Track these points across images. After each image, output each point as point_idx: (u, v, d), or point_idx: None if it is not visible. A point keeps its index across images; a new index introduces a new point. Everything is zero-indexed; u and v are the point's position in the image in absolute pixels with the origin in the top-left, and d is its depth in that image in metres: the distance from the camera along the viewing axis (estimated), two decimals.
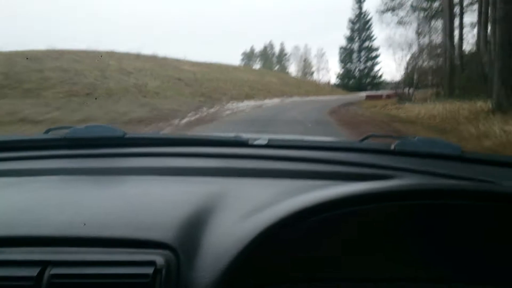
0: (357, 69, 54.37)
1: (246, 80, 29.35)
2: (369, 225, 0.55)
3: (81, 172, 0.92)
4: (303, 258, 0.55)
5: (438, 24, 35.82)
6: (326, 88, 39.05)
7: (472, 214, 0.54)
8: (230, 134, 1.25)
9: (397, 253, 0.55)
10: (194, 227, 0.59)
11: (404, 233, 0.55)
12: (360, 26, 53.79)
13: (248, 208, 0.62)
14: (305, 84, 37.93)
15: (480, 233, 0.55)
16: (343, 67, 55.12)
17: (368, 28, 53.63)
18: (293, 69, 67.38)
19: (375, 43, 54.42)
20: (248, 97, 22.42)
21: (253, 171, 0.88)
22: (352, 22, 54.20)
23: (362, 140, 1.19)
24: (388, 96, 22.76)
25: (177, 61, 28.53)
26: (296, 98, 26.62)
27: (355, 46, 54.41)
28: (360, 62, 54.26)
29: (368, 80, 53.97)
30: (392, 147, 1.03)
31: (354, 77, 54.48)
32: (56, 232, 0.58)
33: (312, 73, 66.91)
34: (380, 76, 55.40)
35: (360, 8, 53.42)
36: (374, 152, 1.07)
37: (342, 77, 54.69)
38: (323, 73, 67.05)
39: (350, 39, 54.61)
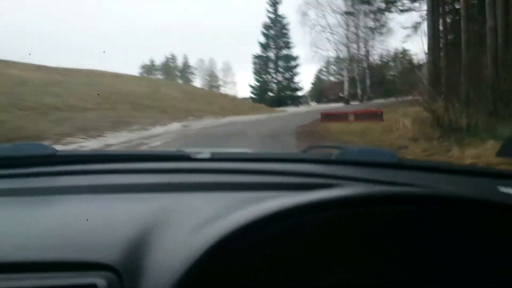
0: (274, 81, 46.46)
1: (128, 92, 18.61)
2: (321, 232, 0.55)
3: (10, 193, 0.86)
4: (253, 269, 0.54)
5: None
6: (245, 104, 29.89)
7: (412, 219, 0.55)
8: (171, 149, 1.02)
9: (350, 261, 0.56)
10: (138, 246, 0.57)
11: (353, 240, 0.56)
12: (277, 31, 46.13)
13: (194, 223, 0.60)
14: (218, 98, 28.17)
15: (422, 238, 0.56)
16: (258, 79, 46.78)
17: (286, 34, 46.24)
18: (198, 83, 59.23)
19: (294, 51, 47.33)
20: (121, 124, 11.89)
21: (197, 185, 0.88)
22: (267, 27, 46.36)
23: (304, 151, 1.22)
24: (358, 116, 14.07)
25: (5, 62, 16.89)
26: (208, 121, 16.72)
27: (271, 54, 46.54)
28: (278, 72, 46.45)
29: (288, 93, 46.38)
30: (333, 156, 1.07)
31: (272, 90, 46.45)
32: None
33: (219, 87, 58.92)
34: (302, 89, 48.41)
35: (276, 10, 45.87)
36: (316, 162, 1.11)
37: (258, 90, 46.20)
38: (231, 87, 59.65)
39: (265, 46, 46.54)
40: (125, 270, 0.52)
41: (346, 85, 37.76)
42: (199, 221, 0.59)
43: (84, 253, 0.55)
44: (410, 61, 54.09)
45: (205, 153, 1.10)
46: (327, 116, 14.74)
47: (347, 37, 37.38)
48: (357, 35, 37.62)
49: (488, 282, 0.55)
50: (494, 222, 0.54)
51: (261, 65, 46.54)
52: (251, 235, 0.52)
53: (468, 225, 0.55)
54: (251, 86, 46.70)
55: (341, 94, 48.86)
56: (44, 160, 1.05)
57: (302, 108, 31.97)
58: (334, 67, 52.91)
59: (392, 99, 41.08)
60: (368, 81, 38.88)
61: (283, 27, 45.88)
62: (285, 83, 46.35)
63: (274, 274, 0.53)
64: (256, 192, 0.81)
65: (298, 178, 0.90)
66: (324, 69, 54.53)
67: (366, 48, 39.33)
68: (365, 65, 39.67)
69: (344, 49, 38.24)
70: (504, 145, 1.09)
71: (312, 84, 54.99)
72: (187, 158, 1.10)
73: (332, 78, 54.04)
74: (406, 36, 31.42)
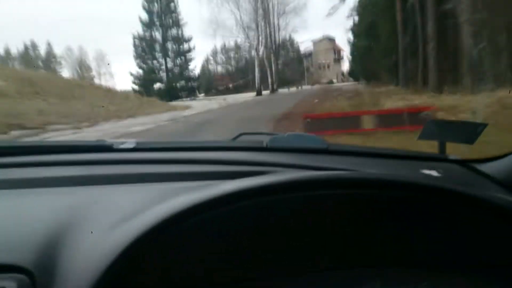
0: (163, 69, 37.26)
1: None
2: (253, 220, 0.55)
3: None
4: (181, 263, 0.53)
5: None
6: (130, 99, 20.58)
7: (340, 202, 0.57)
8: (92, 140, 1.17)
9: (281, 249, 0.56)
10: (53, 244, 0.53)
11: (285, 226, 0.56)
12: (162, 5, 36.91)
13: (114, 218, 0.57)
14: (86, 92, 18.24)
15: (348, 220, 0.58)
16: (141, 66, 37.03)
17: (174, 9, 37.28)
18: (66, 74, 47.78)
19: (187, 31, 38.72)
20: None
21: (120, 177, 0.82)
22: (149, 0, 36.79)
23: (234, 139, 1.19)
24: (384, 120, 6.79)
25: None
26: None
27: (157, 34, 37.23)
28: (167, 57, 37.40)
29: (182, 83, 37.71)
30: (264, 144, 1.06)
31: (161, 79, 37.24)
32: None
33: (92, 78, 47.98)
34: (198, 78, 40.05)
35: None
36: (247, 150, 1.09)
37: (142, 80, 36.45)
38: (107, 79, 49.28)
39: (149, 25, 36.99)
40: (39, 272, 0.49)
41: (257, 71, 30.52)
42: (120, 216, 0.56)
43: None
44: (297, 50, 52.31)
45: (129, 142, 1.02)
46: (317, 122, 7.11)
47: (255, 10, 29.93)
48: (265, 10, 30.45)
49: (420, 254, 0.58)
50: (417, 201, 0.57)
51: (145, 48, 36.88)
52: (178, 227, 0.50)
53: (396, 205, 0.57)
54: (133, 75, 36.77)
55: (231, 85, 43.52)
56: None
57: (209, 102, 23.75)
58: (222, 56, 49.59)
59: (293, 89, 37.59)
60: (274, 67, 32.47)
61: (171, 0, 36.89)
62: (177, 70, 37.57)
63: (205, 266, 0.51)
64: (184, 182, 0.77)
65: (228, 167, 0.86)
66: (211, 57, 50.21)
67: (268, 28, 32.68)
68: (272, 48, 33.08)
69: (251, 27, 30.74)
70: (424, 128, 1.06)
71: (199, 74, 48.75)
72: (109, 148, 1.01)
73: (220, 68, 51.55)
74: (332, 8, 25.66)
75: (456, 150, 1.01)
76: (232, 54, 48.56)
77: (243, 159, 0.92)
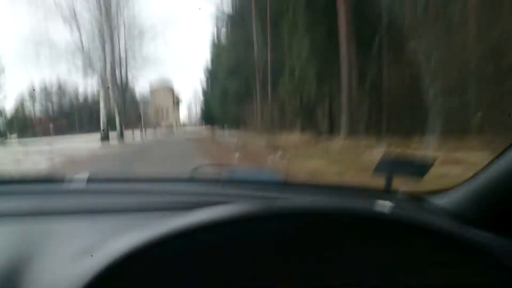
0: None
1: None
2: (213, 251, 0.56)
3: None
4: None
5: None
6: None
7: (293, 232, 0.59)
8: (43, 171, 1.27)
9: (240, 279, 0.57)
10: (10, 277, 0.52)
11: (243, 257, 0.57)
12: None
13: (74, 249, 0.57)
14: None
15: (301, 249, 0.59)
16: None
17: None
18: None
19: None
20: None
21: (74, 209, 0.81)
22: None
23: (193, 171, 1.23)
24: None
25: None
26: None
27: None
28: None
29: None
30: (222, 176, 1.11)
31: None
32: None
33: None
34: (9, 118, 30.15)
35: None
36: (205, 182, 1.11)
37: None
38: None
39: None
40: None
41: (103, 112, 23.53)
42: (78, 248, 0.57)
43: None
44: (132, 95, 48.57)
45: (82, 175, 1.02)
46: None
47: (101, 32, 22.98)
48: (111, 34, 23.78)
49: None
50: (371, 230, 0.59)
51: None
52: (138, 260, 0.50)
53: (345, 234, 0.59)
54: None
55: (51, 127, 36.52)
56: None
57: (24, 158, 15.21)
58: (42, 95, 44.65)
59: (137, 135, 32.15)
60: (120, 108, 25.93)
61: None
62: None
63: None
64: (140, 213, 0.78)
65: (186, 198, 0.88)
66: (28, 96, 42.69)
67: (114, 58, 26.28)
68: (119, 84, 26.70)
69: (92, 53, 23.41)
70: (377, 164, 1.10)
71: (12, 116, 39.20)
72: (60, 180, 1.01)
73: (38, 107, 45.74)
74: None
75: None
76: (53, 93, 41.12)
77: (200, 191, 0.95)
